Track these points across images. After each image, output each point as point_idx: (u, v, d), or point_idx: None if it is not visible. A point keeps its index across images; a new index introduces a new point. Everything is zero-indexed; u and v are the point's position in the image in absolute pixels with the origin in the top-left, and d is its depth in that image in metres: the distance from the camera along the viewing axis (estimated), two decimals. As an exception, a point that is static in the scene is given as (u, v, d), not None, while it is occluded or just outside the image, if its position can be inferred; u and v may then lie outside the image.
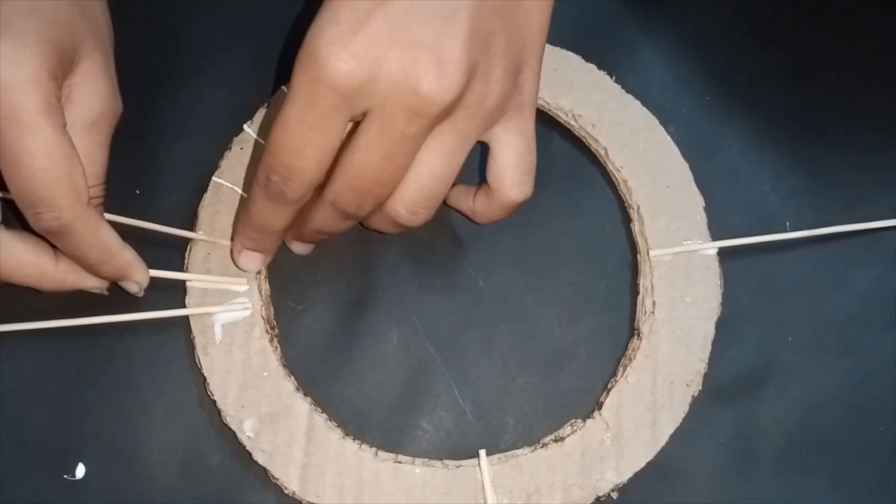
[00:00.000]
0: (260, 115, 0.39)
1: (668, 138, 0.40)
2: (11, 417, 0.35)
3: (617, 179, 0.40)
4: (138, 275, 0.34)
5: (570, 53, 0.41)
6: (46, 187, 0.30)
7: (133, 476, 0.35)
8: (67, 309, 0.36)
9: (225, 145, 0.39)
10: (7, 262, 0.32)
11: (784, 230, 0.39)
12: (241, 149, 0.39)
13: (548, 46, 0.41)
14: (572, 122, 0.40)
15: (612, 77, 0.41)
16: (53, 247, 0.33)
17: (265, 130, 0.39)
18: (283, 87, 0.39)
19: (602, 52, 0.41)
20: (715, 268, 0.38)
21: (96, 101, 0.33)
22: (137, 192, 0.38)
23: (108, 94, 0.33)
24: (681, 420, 0.36)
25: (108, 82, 0.33)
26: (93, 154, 0.33)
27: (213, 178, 0.38)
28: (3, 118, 0.29)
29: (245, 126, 0.39)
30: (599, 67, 0.41)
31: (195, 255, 0.37)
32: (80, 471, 0.34)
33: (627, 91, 0.40)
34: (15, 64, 0.29)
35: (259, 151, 0.38)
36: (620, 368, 0.37)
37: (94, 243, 0.32)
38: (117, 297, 0.36)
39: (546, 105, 0.40)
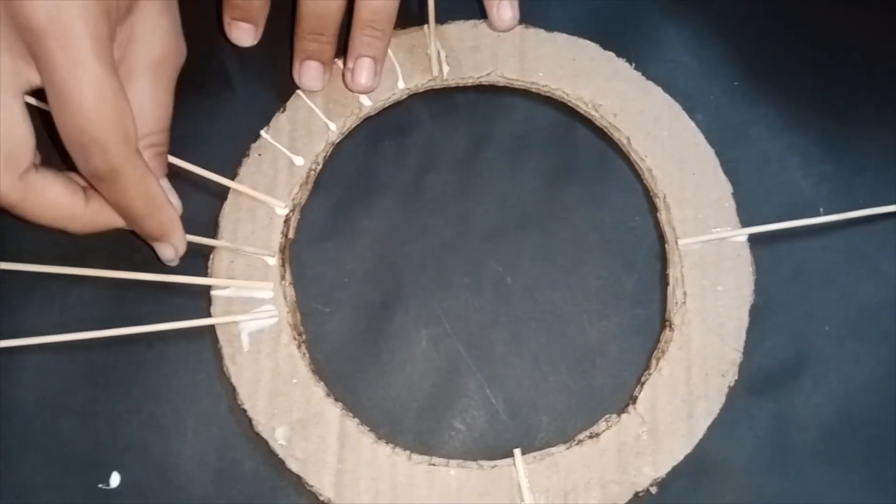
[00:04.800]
0: (277, 121, 0.39)
1: (693, 125, 0.39)
2: (44, 429, 0.35)
3: (641, 169, 0.39)
4: (176, 237, 0.34)
5: (588, 42, 0.40)
6: (95, 126, 0.29)
7: (166, 484, 0.35)
8: (93, 319, 0.36)
9: (242, 152, 0.38)
10: (38, 203, 0.31)
11: (816, 216, 0.38)
12: (259, 155, 0.38)
13: (565, 36, 0.41)
14: (593, 113, 0.40)
15: (631, 65, 0.40)
16: (84, 189, 0.32)
17: (282, 136, 0.39)
18: (299, 92, 0.39)
19: (622, 40, 0.41)
20: (746, 255, 0.37)
21: (158, 42, 0.33)
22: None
23: (171, 35, 0.33)
24: (717, 411, 0.35)
25: (171, 22, 0.33)
26: (157, 97, 0.33)
27: (233, 186, 0.38)
28: (54, 53, 0.29)
29: (262, 132, 0.39)
30: (619, 55, 0.40)
31: (219, 264, 0.37)
32: (115, 480, 0.34)
33: (651, 79, 0.40)
34: None
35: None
36: (654, 361, 0.36)
37: (141, 192, 0.32)
38: (143, 306, 0.36)
39: (565, 95, 0.40)
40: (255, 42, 0.40)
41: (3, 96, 0.30)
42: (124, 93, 0.30)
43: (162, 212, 0.33)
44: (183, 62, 0.34)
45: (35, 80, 0.30)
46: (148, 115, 0.32)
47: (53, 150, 0.32)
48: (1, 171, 0.30)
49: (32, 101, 0.32)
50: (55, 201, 0.32)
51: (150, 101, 0.32)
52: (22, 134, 0.30)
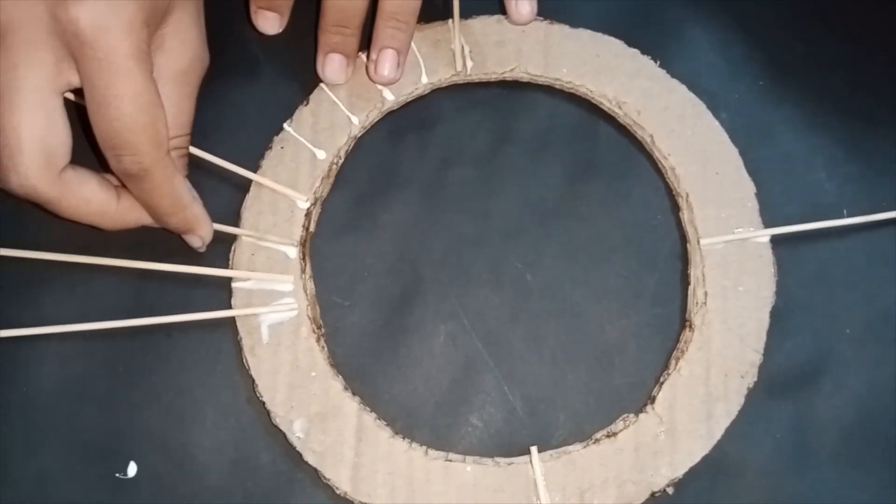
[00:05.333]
0: (300, 114, 0.39)
1: (717, 123, 0.39)
2: (62, 417, 0.35)
3: (664, 167, 0.39)
4: (203, 229, 0.36)
5: (612, 39, 0.40)
6: (130, 131, 0.31)
7: (184, 475, 0.35)
8: (114, 309, 0.36)
9: (265, 145, 0.39)
10: (74, 200, 0.33)
11: (840, 218, 0.38)
12: (282, 148, 0.38)
13: (589, 32, 0.40)
14: (616, 110, 0.39)
15: (656, 62, 0.40)
16: (116, 188, 0.34)
17: (305, 129, 0.39)
18: (322, 86, 0.39)
19: (647, 38, 0.40)
20: (768, 256, 0.37)
21: (187, 52, 0.34)
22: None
23: (198, 45, 0.35)
24: (736, 413, 0.35)
25: (199, 33, 0.35)
26: (181, 104, 0.34)
27: (255, 178, 0.38)
28: (98, 61, 0.30)
29: (285, 125, 0.39)
30: (643, 52, 0.40)
31: (240, 257, 0.37)
32: (132, 469, 0.35)
33: (675, 77, 0.39)
34: (114, 8, 0.30)
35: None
36: (673, 361, 0.36)
37: (168, 192, 0.33)
38: (164, 296, 0.37)
39: (589, 93, 0.39)
40: (281, 30, 0.40)
41: (45, 96, 0.31)
42: (160, 100, 0.32)
43: (188, 210, 0.34)
44: (206, 70, 0.35)
45: (74, 80, 0.31)
46: (172, 120, 0.33)
47: (86, 143, 0.33)
48: (41, 169, 0.31)
49: (70, 95, 0.33)
50: (89, 198, 0.33)
51: (175, 106, 0.34)
52: (61, 133, 0.32)
